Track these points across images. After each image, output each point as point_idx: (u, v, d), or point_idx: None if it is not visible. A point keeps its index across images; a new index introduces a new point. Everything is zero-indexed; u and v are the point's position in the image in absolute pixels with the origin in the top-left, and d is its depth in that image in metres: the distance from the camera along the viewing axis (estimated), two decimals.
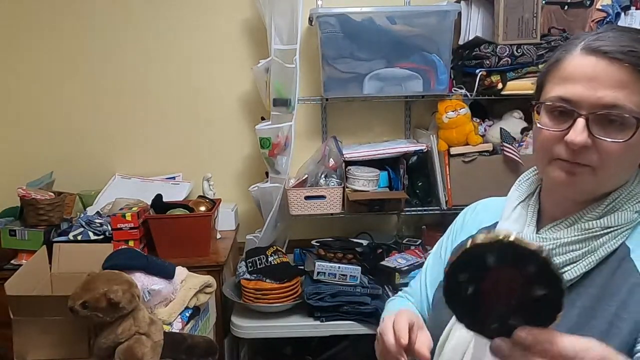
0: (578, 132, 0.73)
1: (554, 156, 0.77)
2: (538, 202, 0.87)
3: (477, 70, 2.15)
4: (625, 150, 0.73)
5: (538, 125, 0.79)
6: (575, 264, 0.76)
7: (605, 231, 0.76)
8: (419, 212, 2.36)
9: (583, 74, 0.74)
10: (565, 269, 0.75)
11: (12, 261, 2.05)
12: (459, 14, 2.22)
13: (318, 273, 2.05)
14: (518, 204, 0.88)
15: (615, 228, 0.76)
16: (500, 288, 0.40)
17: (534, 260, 0.37)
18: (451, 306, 0.44)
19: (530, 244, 0.38)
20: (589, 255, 0.76)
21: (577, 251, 0.76)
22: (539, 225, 0.85)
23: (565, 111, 0.75)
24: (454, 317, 0.80)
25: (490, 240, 0.39)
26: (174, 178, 2.53)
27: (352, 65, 2.24)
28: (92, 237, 2.06)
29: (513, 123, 2.26)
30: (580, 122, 0.73)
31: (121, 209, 2.10)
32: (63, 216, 2.16)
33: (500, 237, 0.38)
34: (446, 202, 2.25)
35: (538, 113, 0.80)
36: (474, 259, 0.39)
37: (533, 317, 0.39)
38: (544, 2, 2.15)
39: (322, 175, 2.26)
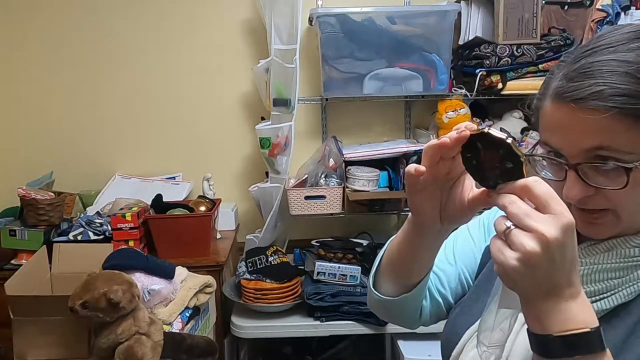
0: (570, 187, 0.66)
1: (567, 203, 0.66)
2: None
3: (477, 70, 2.15)
4: (633, 190, 0.64)
5: (542, 174, 0.71)
6: (610, 294, 0.68)
7: None
8: None
9: (558, 125, 0.66)
10: (599, 297, 0.68)
11: (12, 261, 2.05)
12: (459, 14, 2.22)
13: (318, 273, 2.05)
14: None
15: None
16: (489, 162, 0.60)
17: (502, 145, 0.59)
18: (468, 171, 0.64)
19: (499, 135, 0.59)
20: (628, 285, 0.68)
21: (614, 279, 0.68)
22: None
23: (557, 162, 0.68)
24: (466, 333, 0.79)
25: (477, 133, 0.61)
26: (174, 178, 2.53)
27: (352, 65, 2.24)
28: (92, 237, 2.06)
29: (513, 123, 2.26)
30: (571, 175, 0.66)
31: (121, 209, 2.10)
32: (63, 216, 2.16)
33: (484, 131, 0.60)
34: None
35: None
36: (472, 144, 0.61)
37: (509, 179, 0.59)
38: (544, 2, 2.15)
39: (322, 175, 2.26)
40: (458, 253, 0.93)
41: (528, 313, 0.60)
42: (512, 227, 0.56)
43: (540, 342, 0.58)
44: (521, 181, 0.58)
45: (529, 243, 0.55)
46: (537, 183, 0.57)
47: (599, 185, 0.65)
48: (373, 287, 0.91)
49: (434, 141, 0.65)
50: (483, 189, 0.65)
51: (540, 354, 0.59)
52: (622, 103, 0.62)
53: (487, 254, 0.88)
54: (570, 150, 0.66)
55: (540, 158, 0.71)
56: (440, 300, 0.91)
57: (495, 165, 0.60)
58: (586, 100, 0.63)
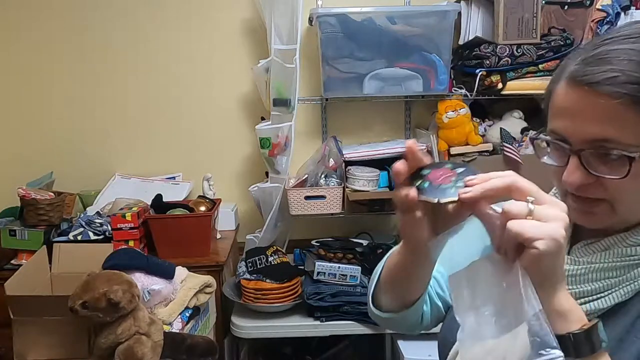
0: (570, 172, 0.67)
1: (565, 190, 0.70)
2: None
3: (477, 70, 2.15)
4: (634, 181, 0.64)
5: (544, 160, 0.72)
6: (607, 293, 0.68)
7: None
8: None
9: (568, 108, 0.67)
10: (596, 296, 0.68)
11: (12, 261, 2.05)
12: (459, 14, 2.22)
13: (318, 273, 2.05)
14: None
15: None
16: (442, 178, 0.62)
17: (450, 164, 0.64)
18: (422, 198, 0.64)
19: (447, 162, 0.64)
20: (625, 285, 0.68)
21: (612, 279, 0.68)
22: (573, 240, 0.75)
23: (561, 147, 0.69)
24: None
25: (415, 172, 0.64)
26: (174, 178, 2.53)
27: (352, 65, 2.24)
28: (92, 237, 2.06)
29: (513, 123, 2.26)
30: (573, 160, 0.66)
31: (121, 209, 2.10)
32: (63, 216, 2.15)
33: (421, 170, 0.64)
34: None
35: (541, 142, 0.74)
36: (418, 172, 0.64)
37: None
38: (544, 2, 2.15)
39: (322, 175, 2.26)
40: (455, 257, 0.92)
41: (552, 309, 0.59)
42: (533, 205, 0.57)
43: (571, 342, 0.59)
44: (508, 172, 0.60)
45: (560, 212, 0.57)
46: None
47: (600, 173, 0.65)
48: (372, 303, 0.91)
49: (396, 168, 0.65)
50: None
51: (575, 356, 0.59)
52: (635, 91, 0.62)
53: (484, 251, 0.88)
54: (576, 136, 0.66)
55: (544, 142, 0.71)
56: (440, 303, 0.91)
57: (448, 176, 0.63)
58: (600, 84, 0.63)
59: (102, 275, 1.46)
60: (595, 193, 0.67)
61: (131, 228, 2.03)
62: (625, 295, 0.68)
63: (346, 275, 2.05)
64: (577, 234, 0.76)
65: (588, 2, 2.12)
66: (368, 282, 2.06)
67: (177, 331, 1.63)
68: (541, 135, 0.72)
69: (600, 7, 2.03)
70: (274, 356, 2.38)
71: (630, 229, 0.70)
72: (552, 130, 0.69)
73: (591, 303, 0.68)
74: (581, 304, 0.68)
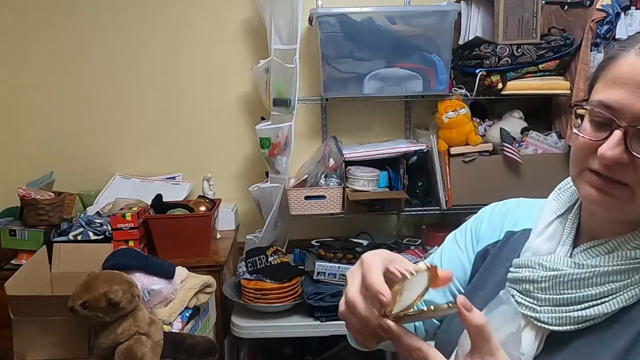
0: (611, 146, 0.63)
1: (586, 166, 0.68)
2: (578, 217, 0.76)
3: (477, 70, 2.15)
4: None
5: (575, 131, 0.69)
6: (612, 297, 0.67)
7: None
8: (419, 212, 2.36)
9: (633, 77, 0.63)
10: (601, 300, 0.67)
11: (12, 261, 2.05)
12: (459, 14, 2.23)
13: (318, 273, 2.05)
14: (555, 219, 0.76)
15: None
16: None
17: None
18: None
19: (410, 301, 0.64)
20: (630, 288, 0.66)
21: (617, 282, 0.67)
22: (576, 242, 0.74)
23: (605, 119, 0.65)
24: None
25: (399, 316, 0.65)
26: (174, 178, 2.53)
27: (352, 65, 2.24)
28: (92, 237, 2.06)
29: (513, 123, 2.26)
30: (617, 134, 0.63)
31: (121, 209, 2.10)
32: (63, 216, 2.15)
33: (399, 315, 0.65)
34: (446, 202, 2.25)
35: (576, 117, 0.70)
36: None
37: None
38: (544, 2, 2.15)
39: (322, 175, 2.26)
40: (445, 264, 0.91)
41: None
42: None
43: None
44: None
45: None
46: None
47: (639, 154, 0.63)
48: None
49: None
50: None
51: None
52: None
53: (478, 260, 0.87)
54: (632, 109, 0.63)
55: (587, 109, 0.68)
56: (439, 322, 0.89)
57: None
58: None
59: (102, 275, 1.46)
60: (623, 176, 0.64)
61: (131, 228, 2.03)
62: (630, 300, 0.66)
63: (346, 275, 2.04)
64: (577, 237, 0.75)
65: (588, 2, 2.12)
66: None
67: (177, 331, 1.63)
68: (588, 105, 0.68)
69: (600, 7, 2.02)
70: (274, 356, 2.38)
71: (634, 231, 0.68)
72: (602, 100, 0.65)
73: (595, 307, 0.67)
74: (585, 308, 0.67)
